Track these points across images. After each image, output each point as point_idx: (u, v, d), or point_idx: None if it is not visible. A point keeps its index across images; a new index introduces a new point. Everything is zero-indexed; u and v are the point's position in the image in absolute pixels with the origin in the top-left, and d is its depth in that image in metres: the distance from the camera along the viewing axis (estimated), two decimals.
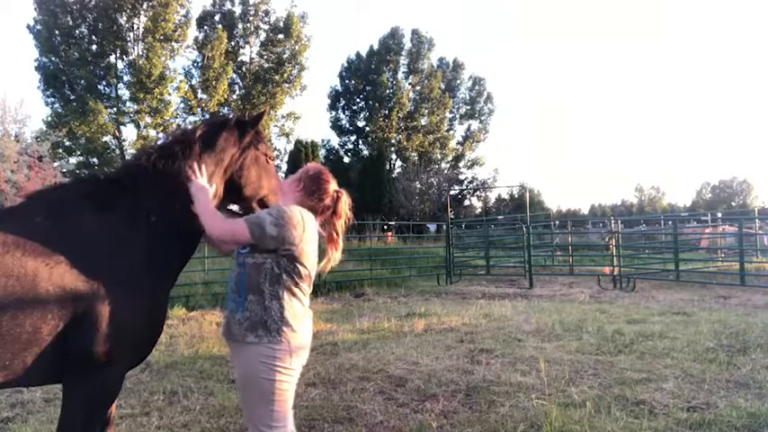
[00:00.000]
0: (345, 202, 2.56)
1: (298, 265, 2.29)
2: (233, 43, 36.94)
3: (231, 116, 2.66)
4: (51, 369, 2.06)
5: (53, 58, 30.17)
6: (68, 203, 2.22)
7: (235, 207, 2.78)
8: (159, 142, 2.64)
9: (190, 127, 2.66)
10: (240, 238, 2.26)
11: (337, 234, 2.53)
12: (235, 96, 37.07)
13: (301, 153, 34.85)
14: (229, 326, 2.33)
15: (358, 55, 45.05)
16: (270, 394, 2.24)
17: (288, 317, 2.26)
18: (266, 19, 38.20)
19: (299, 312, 2.32)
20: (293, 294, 2.31)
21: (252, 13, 37.78)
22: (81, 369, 2.07)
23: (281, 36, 37.83)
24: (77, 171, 29.96)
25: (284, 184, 2.57)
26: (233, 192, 2.67)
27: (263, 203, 2.71)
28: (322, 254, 2.51)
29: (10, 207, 2.33)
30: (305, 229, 2.29)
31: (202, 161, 2.47)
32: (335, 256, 2.54)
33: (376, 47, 44.35)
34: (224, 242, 2.34)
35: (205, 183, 2.41)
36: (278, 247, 2.25)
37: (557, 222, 24.87)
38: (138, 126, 31.87)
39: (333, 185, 2.55)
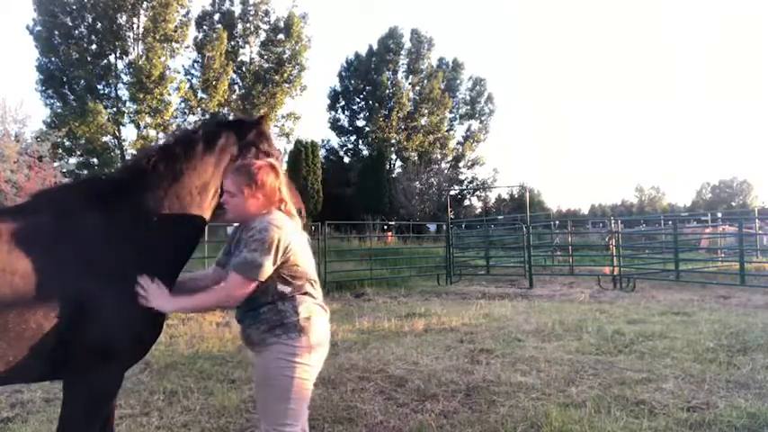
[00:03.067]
0: (267, 174, 2.35)
1: (294, 267, 2.30)
2: (233, 43, 36.95)
3: (231, 116, 2.65)
4: (52, 365, 2.11)
5: (53, 59, 30.25)
6: (73, 203, 2.26)
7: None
8: (161, 142, 2.65)
9: (190, 127, 2.66)
10: (244, 291, 2.20)
11: (283, 198, 2.39)
12: (235, 96, 37.07)
13: (301, 153, 34.83)
14: (248, 333, 2.35)
15: (357, 55, 45.05)
16: (287, 392, 2.26)
17: (303, 314, 2.29)
18: (266, 19, 38.27)
19: (314, 309, 2.35)
20: (303, 294, 2.33)
21: (252, 13, 37.82)
22: (81, 366, 2.12)
23: (281, 36, 37.88)
24: (77, 171, 29.99)
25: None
26: None
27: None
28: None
29: (15, 205, 2.37)
30: (286, 232, 2.28)
31: (203, 161, 2.49)
32: (291, 209, 2.42)
33: (375, 47, 44.34)
34: (235, 303, 2.28)
35: (156, 293, 2.19)
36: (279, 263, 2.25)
37: (557, 222, 24.81)
38: (138, 126, 31.93)
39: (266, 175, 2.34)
